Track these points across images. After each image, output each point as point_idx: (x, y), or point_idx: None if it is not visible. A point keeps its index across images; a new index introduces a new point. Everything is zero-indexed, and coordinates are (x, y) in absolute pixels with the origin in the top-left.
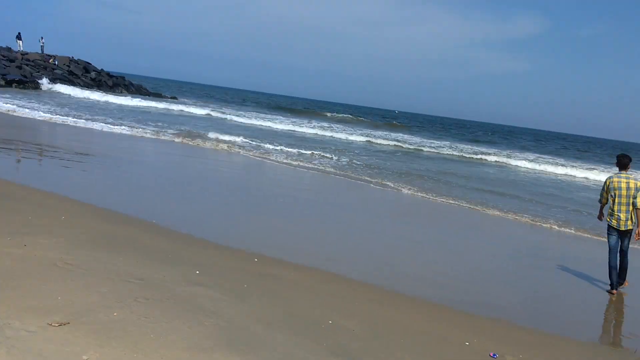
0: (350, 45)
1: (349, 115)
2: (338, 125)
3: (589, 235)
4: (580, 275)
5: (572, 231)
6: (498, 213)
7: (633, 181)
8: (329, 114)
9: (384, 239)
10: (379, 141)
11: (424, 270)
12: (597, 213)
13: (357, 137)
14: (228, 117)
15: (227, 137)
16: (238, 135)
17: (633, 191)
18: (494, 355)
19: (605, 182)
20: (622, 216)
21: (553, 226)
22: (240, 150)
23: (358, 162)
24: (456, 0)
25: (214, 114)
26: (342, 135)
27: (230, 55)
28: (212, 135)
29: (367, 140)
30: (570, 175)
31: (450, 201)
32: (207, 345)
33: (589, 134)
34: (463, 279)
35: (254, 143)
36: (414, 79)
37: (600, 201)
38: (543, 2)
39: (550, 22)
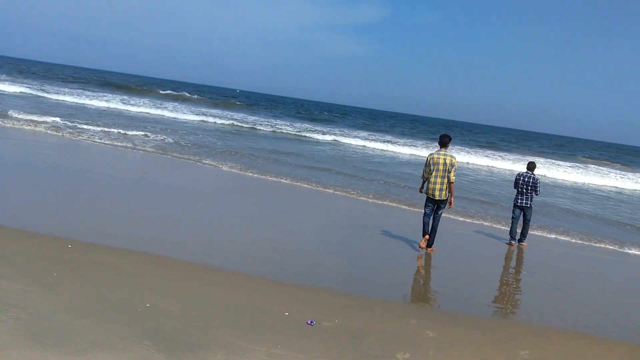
0: (194, 22)
1: (185, 93)
2: (172, 104)
3: (404, 206)
4: (394, 242)
5: (389, 202)
6: (321, 188)
7: (449, 158)
8: (162, 92)
9: (205, 216)
10: (214, 120)
11: (247, 245)
12: (417, 186)
13: (191, 116)
14: (47, 95)
15: (36, 117)
16: (54, 115)
17: (448, 166)
18: (311, 322)
19: (427, 158)
20: (438, 187)
21: (371, 199)
22: (53, 131)
23: (186, 142)
24: None
25: (31, 91)
26: (174, 114)
27: (59, 28)
28: (19, 114)
29: (201, 120)
30: (396, 152)
31: (275, 178)
32: (4, 342)
33: (417, 113)
34: (286, 252)
35: (70, 123)
36: (258, 59)
37: (423, 176)
38: None
39: (391, 9)
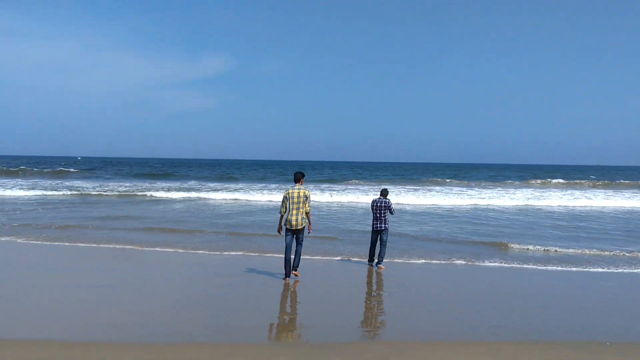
0: (29, 93)
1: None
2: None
3: (253, 253)
4: (252, 286)
5: (238, 252)
6: (164, 248)
7: (303, 191)
8: None
9: (36, 291)
10: (45, 192)
11: (96, 313)
12: (263, 233)
13: (18, 192)
14: None
15: None
16: None
17: (302, 198)
18: None
19: (284, 194)
20: (294, 218)
21: (217, 251)
22: None
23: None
24: (147, 44)
25: None
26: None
27: None
28: None
29: (34, 194)
30: (249, 200)
31: (108, 244)
32: None
33: (270, 158)
34: (141, 314)
35: None
36: (103, 123)
37: (280, 212)
38: (230, 44)
39: (237, 61)
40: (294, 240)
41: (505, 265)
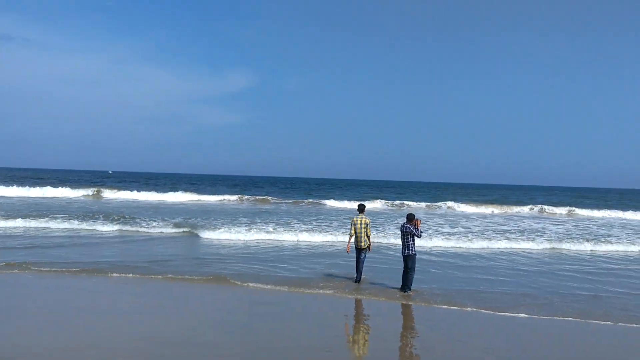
0: (56, 106)
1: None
2: None
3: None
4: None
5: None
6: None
7: (364, 219)
8: None
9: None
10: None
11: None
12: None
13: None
14: None
15: None
16: None
17: (364, 225)
18: None
19: (351, 220)
20: (359, 239)
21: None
22: None
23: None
24: (172, 60)
25: None
26: None
27: None
28: None
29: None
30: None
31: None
32: None
33: (297, 175)
34: (183, 345)
35: None
36: (129, 138)
37: (349, 234)
38: (252, 61)
39: (260, 77)
40: (359, 255)
41: None
